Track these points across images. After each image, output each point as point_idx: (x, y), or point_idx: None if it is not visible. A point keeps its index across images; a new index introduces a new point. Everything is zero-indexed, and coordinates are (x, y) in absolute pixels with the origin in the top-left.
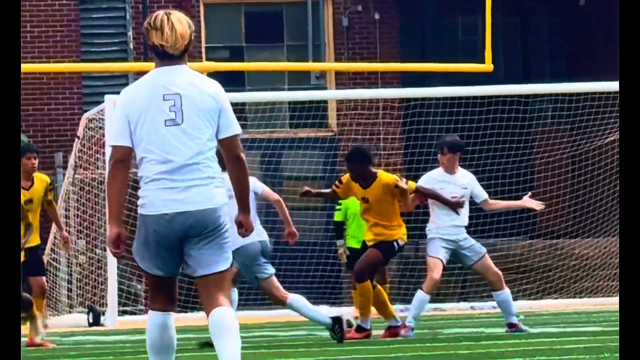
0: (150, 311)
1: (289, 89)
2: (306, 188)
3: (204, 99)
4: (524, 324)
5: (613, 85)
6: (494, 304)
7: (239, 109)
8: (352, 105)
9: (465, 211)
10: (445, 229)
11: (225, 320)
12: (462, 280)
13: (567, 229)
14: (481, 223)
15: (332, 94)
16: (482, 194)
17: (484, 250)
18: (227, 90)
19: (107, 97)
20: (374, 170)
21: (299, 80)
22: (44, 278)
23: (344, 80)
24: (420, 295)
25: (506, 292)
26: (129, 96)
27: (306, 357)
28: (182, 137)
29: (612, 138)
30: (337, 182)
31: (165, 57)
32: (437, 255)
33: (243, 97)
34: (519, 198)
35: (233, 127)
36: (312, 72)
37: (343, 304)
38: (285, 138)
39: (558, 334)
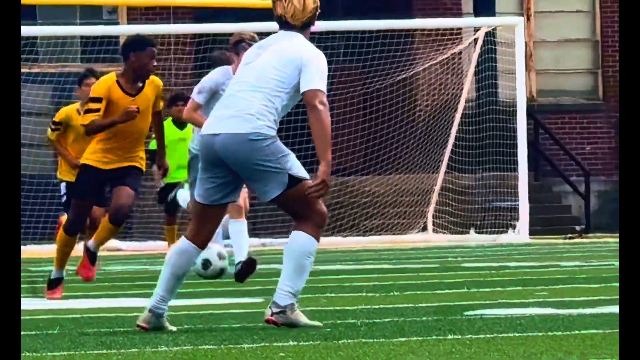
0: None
1: (81, 24)
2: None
3: (287, 51)
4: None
5: (405, 23)
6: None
7: (31, 42)
8: None
9: None
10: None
11: (290, 244)
12: (252, 216)
13: (358, 166)
14: None
15: (124, 29)
16: None
17: None
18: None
19: None
20: None
21: (92, 14)
22: None
23: (136, 15)
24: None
25: (244, 223)
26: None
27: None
28: (250, 74)
29: (404, 76)
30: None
31: (283, 26)
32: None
33: (34, 31)
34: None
35: (310, 83)
36: (104, 7)
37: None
38: (77, 72)
39: (348, 271)
